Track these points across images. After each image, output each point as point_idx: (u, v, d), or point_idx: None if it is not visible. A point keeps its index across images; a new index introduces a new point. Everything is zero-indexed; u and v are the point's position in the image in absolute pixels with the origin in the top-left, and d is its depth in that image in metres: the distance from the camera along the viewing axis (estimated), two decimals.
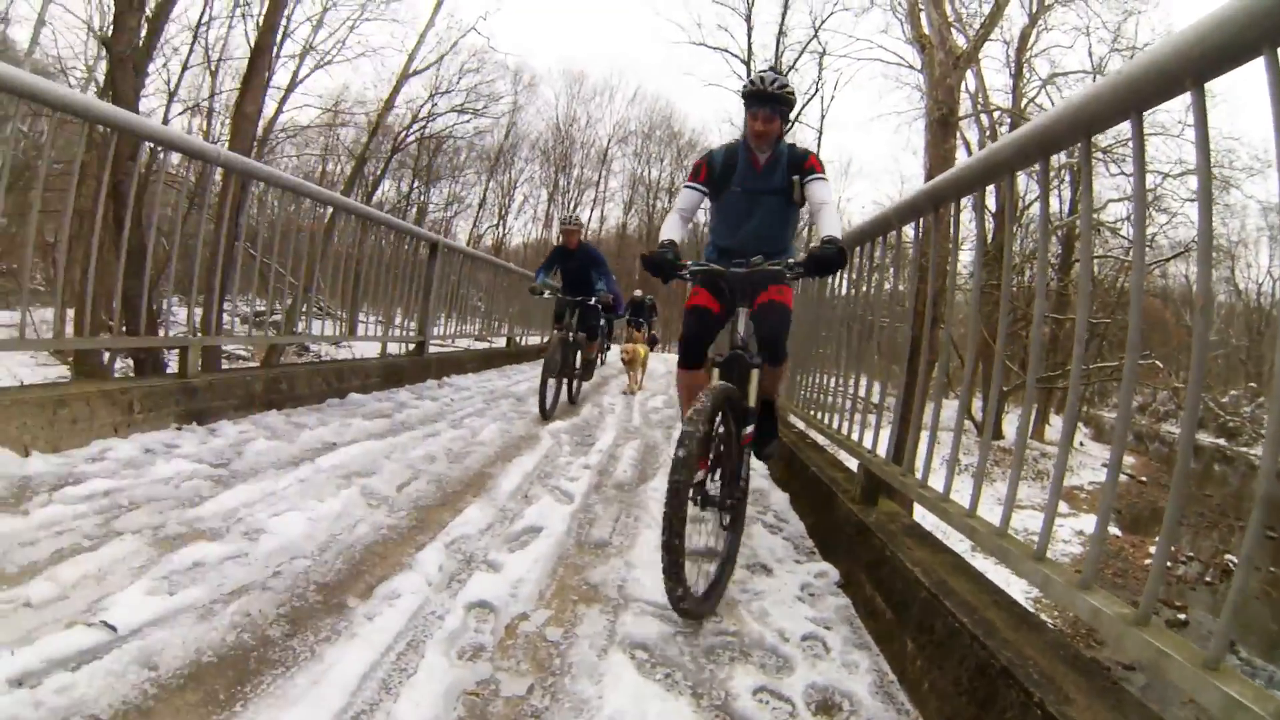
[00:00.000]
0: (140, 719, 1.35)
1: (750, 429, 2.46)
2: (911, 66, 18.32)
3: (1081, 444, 23.81)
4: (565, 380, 6.30)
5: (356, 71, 55.84)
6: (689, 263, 2.64)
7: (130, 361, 8.87)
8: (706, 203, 3.01)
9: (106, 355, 9.41)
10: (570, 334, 6.06)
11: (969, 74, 13.12)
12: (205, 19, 19.76)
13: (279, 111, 22.74)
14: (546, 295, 6.77)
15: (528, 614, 1.94)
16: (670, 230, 2.83)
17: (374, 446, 3.57)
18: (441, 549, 2.32)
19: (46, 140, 4.02)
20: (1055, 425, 26.00)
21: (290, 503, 2.60)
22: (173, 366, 9.63)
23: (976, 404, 17.82)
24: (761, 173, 2.91)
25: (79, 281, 4.33)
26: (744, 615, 2.05)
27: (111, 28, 9.53)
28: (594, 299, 6.35)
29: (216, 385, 3.99)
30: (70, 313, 5.30)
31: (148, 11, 10.17)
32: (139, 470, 2.72)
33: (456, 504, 2.94)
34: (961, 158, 11.09)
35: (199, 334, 4.37)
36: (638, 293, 15.90)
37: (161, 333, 5.67)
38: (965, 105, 14.15)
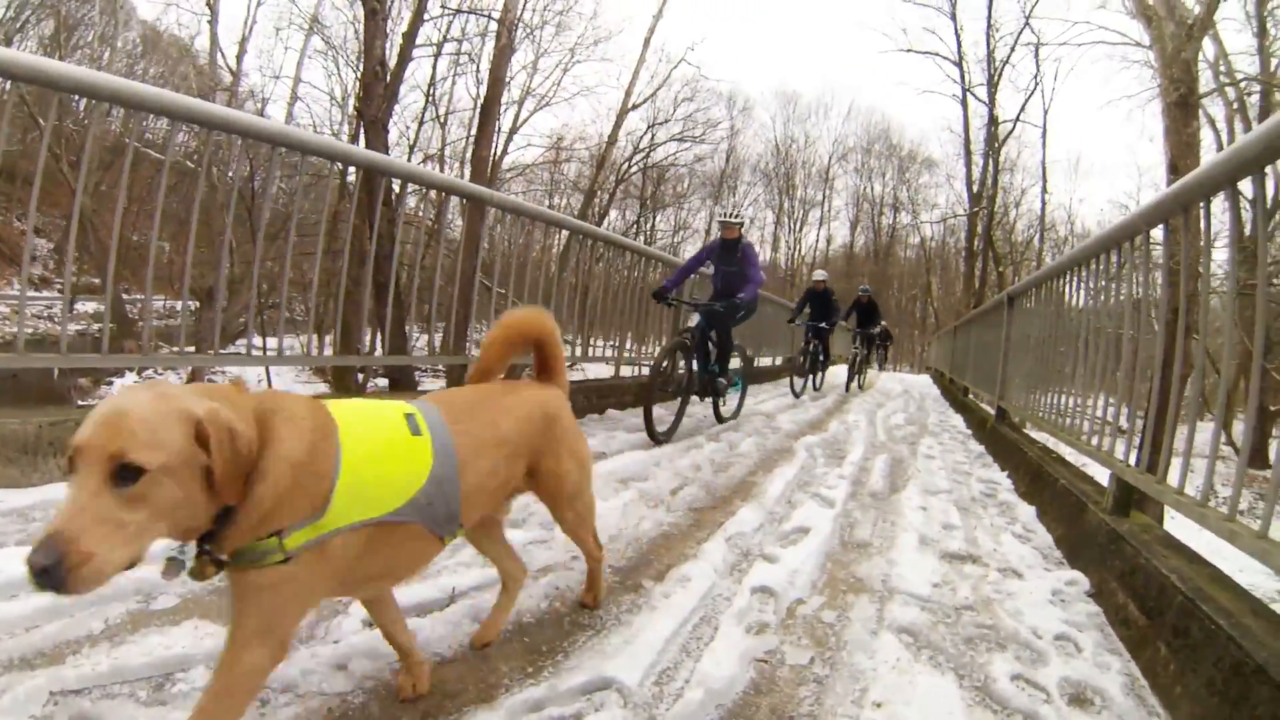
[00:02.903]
0: (478, 659, 1.72)
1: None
2: (1139, 44, 15.40)
3: None
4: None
5: (574, 110, 60.24)
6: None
7: (385, 381, 10.19)
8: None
9: (360, 375, 10.74)
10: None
11: (1205, 42, 10.89)
12: (432, 79, 23.44)
13: (504, 153, 25.24)
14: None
15: (804, 599, 2.28)
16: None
17: (641, 456, 4.07)
18: (722, 543, 2.70)
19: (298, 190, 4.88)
20: None
21: None
22: (423, 385, 10.91)
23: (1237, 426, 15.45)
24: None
25: (332, 312, 5.17)
26: (999, 612, 2.26)
27: (361, 96, 11.14)
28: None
29: None
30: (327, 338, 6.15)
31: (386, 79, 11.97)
32: None
33: (728, 506, 3.32)
34: (1207, 140, 9.56)
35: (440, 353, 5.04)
36: (819, 274, 10.40)
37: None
38: (1206, 79, 11.68)
